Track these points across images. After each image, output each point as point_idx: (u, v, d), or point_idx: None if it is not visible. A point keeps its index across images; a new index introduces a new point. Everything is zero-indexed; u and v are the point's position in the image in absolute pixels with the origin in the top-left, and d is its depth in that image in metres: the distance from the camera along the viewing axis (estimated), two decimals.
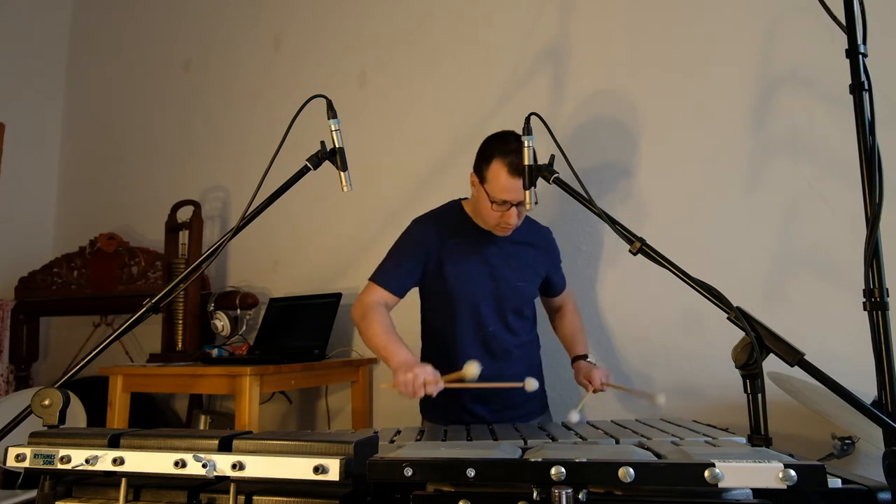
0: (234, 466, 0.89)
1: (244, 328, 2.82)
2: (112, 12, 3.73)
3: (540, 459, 0.81)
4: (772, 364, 1.13)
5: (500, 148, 1.70)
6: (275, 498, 0.92)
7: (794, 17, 2.06)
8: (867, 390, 1.08)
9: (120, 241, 3.15)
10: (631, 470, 0.77)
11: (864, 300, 1.07)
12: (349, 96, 2.84)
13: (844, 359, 1.56)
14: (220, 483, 0.95)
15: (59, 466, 0.96)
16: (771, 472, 0.75)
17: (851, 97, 1.13)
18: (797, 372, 1.05)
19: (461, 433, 1.46)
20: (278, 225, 2.91)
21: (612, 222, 1.27)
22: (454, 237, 1.86)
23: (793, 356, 1.01)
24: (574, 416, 1.61)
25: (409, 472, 0.82)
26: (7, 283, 3.31)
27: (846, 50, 1.15)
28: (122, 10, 3.69)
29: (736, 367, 1.06)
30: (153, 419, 2.89)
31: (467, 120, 2.54)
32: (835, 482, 0.84)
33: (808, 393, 1.50)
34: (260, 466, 0.89)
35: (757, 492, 0.77)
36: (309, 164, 1.42)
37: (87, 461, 0.95)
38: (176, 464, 0.91)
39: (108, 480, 0.98)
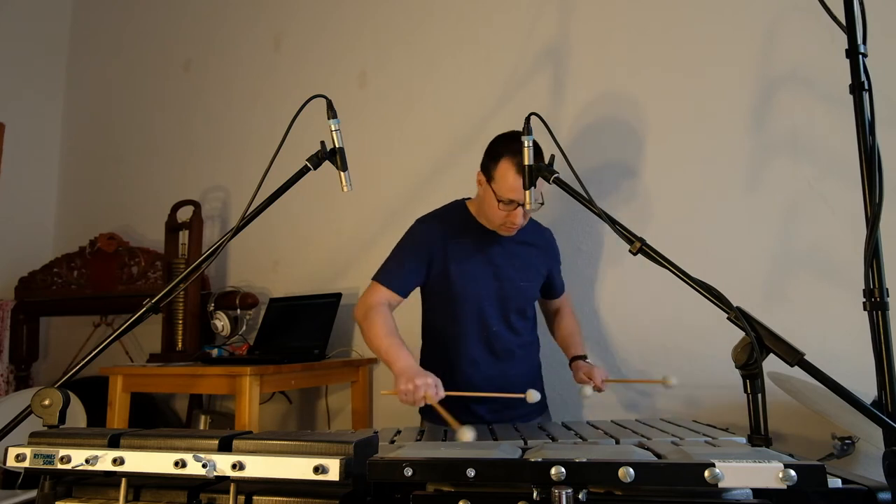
0: (234, 466, 0.89)
1: (244, 328, 2.82)
2: (112, 12, 3.73)
3: (540, 459, 0.81)
4: (772, 364, 1.13)
5: (509, 147, 1.70)
6: (275, 498, 0.92)
7: (794, 17, 2.06)
8: (867, 390, 1.08)
9: (120, 241, 3.15)
10: (631, 470, 0.77)
11: (864, 300, 1.07)
12: (349, 96, 2.84)
13: (844, 359, 1.56)
14: (220, 483, 0.95)
15: (59, 466, 0.96)
16: (771, 472, 0.75)
17: (851, 97, 1.13)
18: (797, 372, 1.05)
19: None
20: (278, 225, 2.91)
21: (612, 222, 1.27)
22: (458, 237, 1.86)
23: (793, 356, 1.01)
24: (587, 391, 1.79)
25: (409, 472, 0.82)
26: (7, 283, 3.31)
27: (846, 50, 1.15)
28: (122, 10, 3.69)
29: (736, 367, 1.06)
30: (153, 419, 2.89)
31: (467, 120, 2.54)
32: (835, 482, 0.84)
33: (808, 393, 1.50)
34: (260, 466, 0.89)
35: (757, 492, 0.77)
36: (309, 164, 1.42)
37: (87, 461, 0.95)
38: (176, 464, 0.91)
39: (108, 480, 0.98)
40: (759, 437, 1.02)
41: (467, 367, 1.86)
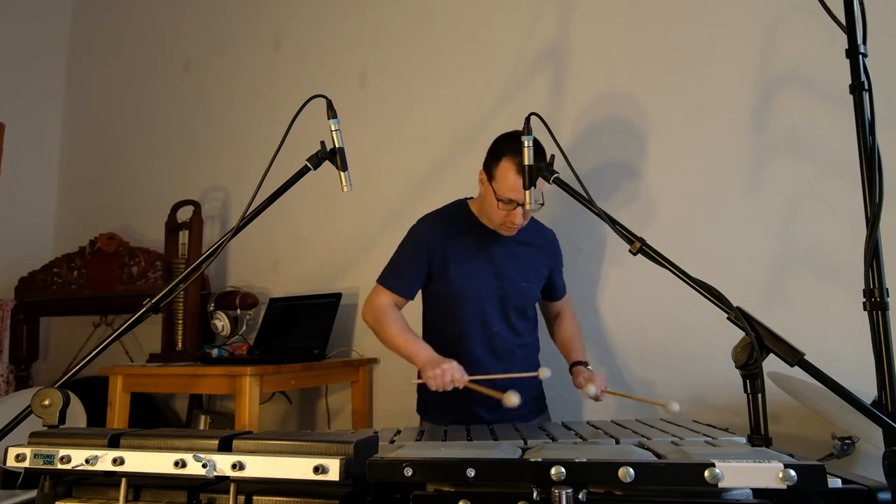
0: (234, 466, 0.89)
1: (244, 328, 2.82)
2: (112, 12, 3.73)
3: (540, 459, 0.81)
4: (772, 364, 1.13)
5: (511, 147, 1.70)
6: (275, 498, 0.92)
7: (794, 17, 2.06)
8: (867, 390, 1.08)
9: (120, 241, 3.15)
10: (631, 470, 0.77)
11: (864, 300, 1.07)
12: (349, 96, 2.84)
13: (844, 359, 1.56)
14: (220, 483, 0.95)
15: (59, 466, 0.96)
16: (771, 472, 0.75)
17: (851, 97, 1.13)
18: (797, 372, 1.05)
19: (461, 433, 1.46)
20: (278, 225, 2.91)
21: (612, 222, 1.27)
22: (458, 236, 1.86)
23: (793, 356, 1.01)
24: (592, 389, 1.76)
25: (409, 472, 0.82)
26: (7, 283, 3.31)
27: (846, 50, 1.15)
28: (122, 10, 3.69)
29: (736, 367, 1.06)
30: (153, 419, 2.89)
31: (467, 120, 2.54)
32: (835, 482, 0.84)
33: (808, 393, 1.50)
34: (260, 466, 0.89)
35: (757, 492, 0.77)
36: (309, 164, 1.42)
37: (87, 461, 0.95)
38: (176, 464, 0.91)
39: (108, 480, 0.98)
40: (759, 437, 1.02)
41: (468, 367, 1.85)
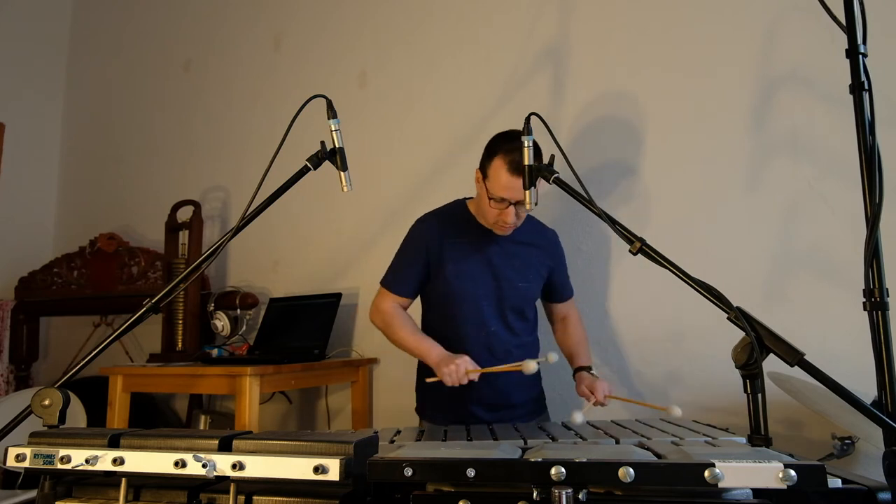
0: (234, 466, 0.89)
1: (244, 328, 2.82)
2: (112, 12, 3.73)
3: (540, 459, 0.81)
4: (772, 364, 1.13)
5: (504, 146, 1.70)
6: (275, 498, 0.92)
7: (794, 17, 2.06)
8: (867, 390, 1.08)
9: (120, 241, 3.15)
10: (631, 470, 0.77)
11: (864, 300, 1.07)
12: (349, 96, 2.84)
13: (844, 359, 1.56)
14: (220, 483, 0.95)
15: (59, 466, 0.96)
16: (771, 472, 0.75)
17: (851, 97, 1.13)
18: (797, 372, 1.05)
19: (461, 433, 1.46)
20: (278, 225, 2.91)
21: (612, 222, 1.27)
22: (456, 236, 1.86)
23: (793, 356, 1.01)
24: (578, 417, 1.59)
25: (409, 472, 0.82)
26: (7, 283, 3.31)
27: (846, 50, 1.15)
28: (122, 10, 3.69)
29: (736, 367, 1.06)
30: (153, 419, 2.89)
31: (467, 120, 2.54)
32: (835, 482, 0.84)
33: (808, 393, 1.50)
34: (260, 466, 0.89)
35: (757, 492, 0.77)
36: (309, 164, 1.42)
37: (87, 461, 0.95)
38: (176, 464, 0.91)
39: (108, 480, 0.98)
40: (759, 437, 1.02)
41: None
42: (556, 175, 1.41)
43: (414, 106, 2.72)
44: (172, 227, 2.93)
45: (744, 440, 1.17)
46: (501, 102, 2.50)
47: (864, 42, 1.14)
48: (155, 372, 2.45)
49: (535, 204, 1.45)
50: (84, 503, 0.99)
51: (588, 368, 1.91)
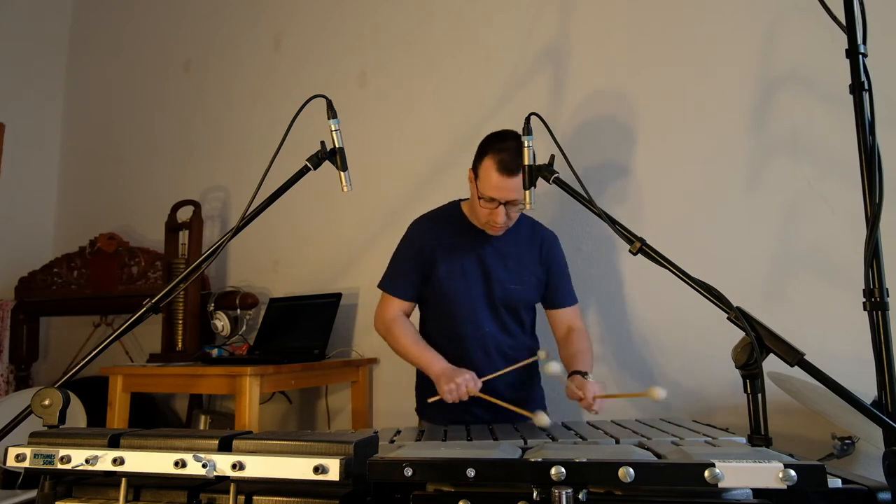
0: (234, 466, 0.89)
1: (244, 328, 2.82)
2: (112, 12, 3.73)
3: (540, 459, 0.81)
4: (772, 364, 1.13)
5: (495, 145, 1.70)
6: (275, 498, 0.92)
7: (794, 17, 2.06)
8: (867, 390, 1.08)
9: (120, 241, 3.15)
10: (631, 470, 0.77)
11: (864, 300, 1.07)
12: (349, 96, 2.84)
13: (844, 359, 1.56)
14: (220, 483, 0.95)
15: (59, 466, 0.96)
16: (771, 472, 0.75)
17: (851, 97, 1.13)
18: (797, 372, 1.05)
19: (461, 433, 1.46)
20: (278, 225, 2.91)
21: (612, 222, 1.27)
22: (450, 237, 1.86)
23: (793, 356, 1.01)
24: (556, 367, 1.66)
25: (409, 472, 0.82)
26: (7, 283, 3.31)
27: (846, 50, 1.15)
28: (122, 10, 3.69)
29: (736, 367, 1.06)
30: (153, 419, 2.89)
31: (467, 120, 2.54)
32: (835, 482, 0.84)
33: (808, 393, 1.50)
34: (260, 466, 0.89)
35: (757, 492, 0.77)
36: (309, 164, 1.42)
37: (87, 461, 0.95)
38: (176, 464, 0.91)
39: (108, 480, 0.98)
40: (759, 437, 1.02)
41: (464, 367, 1.85)
42: (556, 175, 1.41)
43: (414, 106, 2.72)
44: (172, 227, 2.93)
45: (744, 440, 1.17)
46: (501, 102, 2.50)
47: (864, 42, 1.15)
48: (155, 372, 2.45)
49: (527, 205, 1.41)
50: (84, 503, 1.00)
51: (584, 374, 1.77)
